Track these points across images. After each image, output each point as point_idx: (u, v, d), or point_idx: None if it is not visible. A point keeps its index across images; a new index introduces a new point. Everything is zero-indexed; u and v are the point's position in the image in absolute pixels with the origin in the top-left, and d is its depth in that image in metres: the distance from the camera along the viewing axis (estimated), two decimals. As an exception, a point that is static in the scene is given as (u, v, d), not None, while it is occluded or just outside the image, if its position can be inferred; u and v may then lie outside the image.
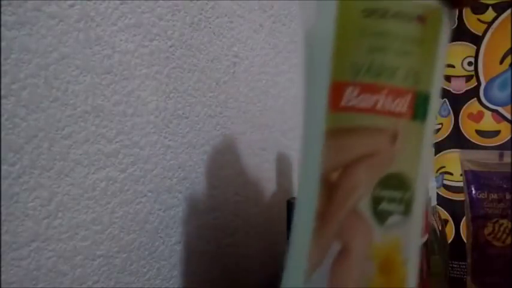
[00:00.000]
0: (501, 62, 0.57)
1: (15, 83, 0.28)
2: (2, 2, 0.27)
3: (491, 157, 0.49)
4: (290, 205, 0.43)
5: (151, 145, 0.39)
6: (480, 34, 0.58)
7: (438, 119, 0.60)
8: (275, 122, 0.55)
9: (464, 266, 0.56)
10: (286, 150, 0.57)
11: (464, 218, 0.54)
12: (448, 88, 0.60)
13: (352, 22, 0.22)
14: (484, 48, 0.58)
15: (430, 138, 0.24)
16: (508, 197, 0.46)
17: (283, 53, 0.56)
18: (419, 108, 0.23)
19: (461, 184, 0.51)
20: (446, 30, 0.24)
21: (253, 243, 0.51)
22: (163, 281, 0.41)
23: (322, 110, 0.23)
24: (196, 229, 0.44)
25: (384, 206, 0.23)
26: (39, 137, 0.30)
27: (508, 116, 0.57)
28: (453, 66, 0.59)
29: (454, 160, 0.59)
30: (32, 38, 0.29)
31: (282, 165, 0.56)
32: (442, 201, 0.59)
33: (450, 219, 0.60)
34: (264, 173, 0.53)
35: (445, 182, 0.60)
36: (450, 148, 0.60)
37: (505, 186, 0.46)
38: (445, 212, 0.60)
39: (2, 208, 0.28)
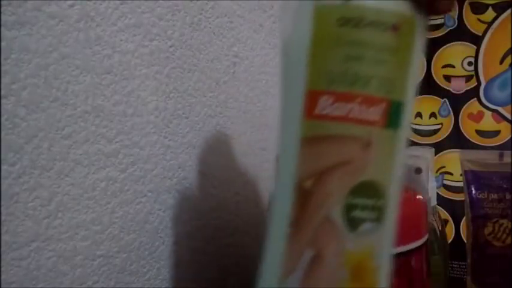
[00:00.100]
0: (501, 62, 0.57)
1: (15, 83, 0.28)
2: (2, 2, 0.27)
3: (491, 157, 0.49)
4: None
5: (151, 145, 0.39)
6: (480, 34, 0.58)
7: (438, 119, 0.60)
8: (275, 122, 0.55)
9: (464, 266, 0.56)
10: (286, 150, 0.57)
11: (464, 218, 0.54)
12: (448, 88, 0.60)
13: (327, 31, 0.23)
14: (484, 48, 0.58)
15: (403, 146, 0.24)
16: (508, 197, 0.46)
17: (283, 53, 0.56)
18: (392, 117, 0.23)
19: (461, 184, 0.51)
20: (420, 38, 0.24)
21: (253, 243, 0.51)
22: (163, 281, 0.41)
23: (297, 118, 0.23)
24: (196, 229, 0.44)
25: (357, 213, 0.23)
26: (39, 137, 0.30)
27: (508, 116, 0.57)
28: (453, 66, 0.59)
29: (454, 160, 0.59)
30: (32, 38, 0.29)
31: (282, 165, 0.56)
32: (442, 201, 0.59)
33: (450, 219, 0.60)
34: (264, 173, 0.53)
35: (445, 182, 0.60)
36: (450, 148, 0.60)
37: (505, 186, 0.46)
38: (445, 212, 0.60)
39: (2, 208, 0.28)
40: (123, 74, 0.36)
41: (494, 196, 0.47)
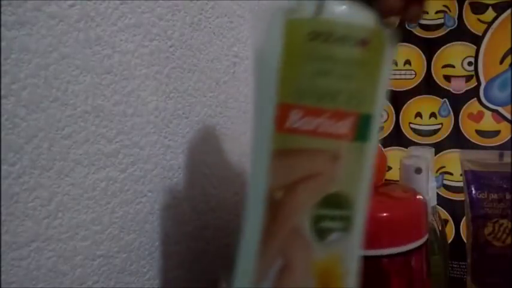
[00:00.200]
0: (501, 62, 0.57)
1: (15, 83, 0.28)
2: (2, 2, 0.27)
3: (491, 157, 0.49)
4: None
5: (151, 145, 0.39)
6: (480, 34, 0.58)
7: (438, 119, 0.60)
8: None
9: (464, 266, 0.56)
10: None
11: (464, 218, 0.54)
12: (448, 88, 0.60)
13: (298, 45, 0.23)
14: (484, 48, 0.58)
15: (372, 158, 0.25)
16: (508, 197, 0.46)
17: (283, 53, 0.56)
18: (361, 130, 0.24)
19: (461, 184, 0.51)
20: (389, 52, 0.24)
21: (253, 243, 0.51)
22: (163, 281, 0.41)
23: (269, 131, 0.23)
24: (196, 229, 0.44)
25: (325, 224, 0.24)
26: (39, 137, 0.30)
27: (508, 116, 0.57)
28: (453, 66, 0.59)
29: (454, 160, 0.59)
30: (32, 38, 0.29)
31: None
32: (442, 201, 0.59)
33: (450, 219, 0.60)
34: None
35: (445, 182, 0.60)
36: (450, 148, 0.60)
37: (505, 186, 0.46)
38: (445, 212, 0.60)
39: (2, 208, 0.28)
40: (123, 74, 0.36)
41: (494, 196, 0.47)
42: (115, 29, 0.35)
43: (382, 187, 0.42)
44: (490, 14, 0.57)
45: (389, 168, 0.60)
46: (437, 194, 0.53)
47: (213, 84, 0.46)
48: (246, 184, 0.25)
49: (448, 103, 0.60)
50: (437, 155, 0.59)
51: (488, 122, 0.58)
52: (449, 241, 0.58)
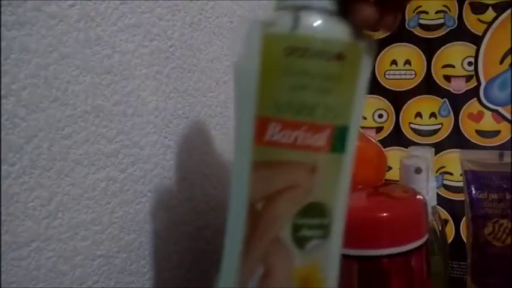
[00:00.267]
0: (501, 62, 0.57)
1: (15, 83, 0.28)
2: (2, 2, 0.27)
3: (491, 157, 0.49)
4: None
5: (151, 145, 0.39)
6: (480, 34, 0.58)
7: (438, 119, 0.60)
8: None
9: (464, 266, 0.56)
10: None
11: (464, 218, 0.54)
12: (448, 88, 0.60)
13: (275, 59, 0.23)
14: (484, 48, 0.58)
15: (349, 168, 0.26)
16: (508, 197, 0.46)
17: (283, 53, 0.56)
18: (337, 141, 0.24)
19: (461, 184, 0.51)
20: (365, 65, 0.25)
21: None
22: (163, 281, 0.41)
23: (249, 143, 0.24)
24: (196, 229, 0.44)
25: (304, 232, 0.24)
26: (39, 137, 0.30)
27: (508, 116, 0.57)
28: (453, 66, 0.59)
29: (454, 160, 0.59)
30: (32, 38, 0.29)
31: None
32: (442, 201, 0.59)
33: (450, 219, 0.60)
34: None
35: (445, 182, 0.60)
36: (450, 148, 0.60)
37: (505, 186, 0.46)
38: (445, 212, 0.60)
39: (2, 208, 0.28)
40: (123, 74, 0.36)
41: (494, 196, 0.47)
42: (115, 29, 0.35)
43: (382, 187, 0.42)
44: (490, 14, 0.57)
45: (390, 168, 0.60)
46: (437, 194, 0.53)
47: (213, 84, 0.46)
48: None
49: (448, 103, 0.60)
50: (437, 155, 0.60)
51: (488, 122, 0.58)
52: (449, 241, 0.58)
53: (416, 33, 0.61)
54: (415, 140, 0.61)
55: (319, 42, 0.23)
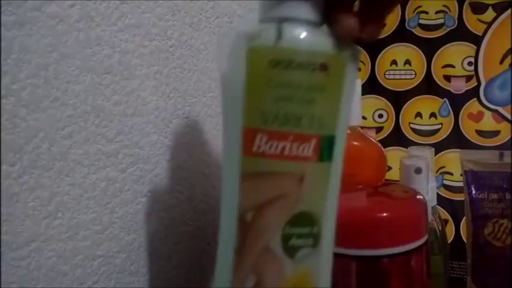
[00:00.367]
0: (501, 62, 0.57)
1: (15, 83, 0.28)
2: (2, 2, 0.27)
3: (491, 157, 0.49)
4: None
5: (151, 145, 0.39)
6: (480, 34, 0.58)
7: (438, 119, 0.60)
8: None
9: (464, 266, 0.56)
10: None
11: (464, 218, 0.54)
12: (448, 88, 0.60)
13: (260, 72, 0.24)
14: (484, 48, 0.58)
15: (337, 176, 0.26)
16: (508, 197, 0.46)
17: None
18: (324, 151, 0.25)
19: (461, 184, 0.51)
20: (350, 74, 0.25)
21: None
22: (163, 281, 0.41)
23: (237, 154, 0.24)
24: (196, 229, 0.44)
25: (293, 241, 0.25)
26: (39, 137, 0.30)
27: (508, 116, 0.57)
28: (453, 66, 0.59)
29: (454, 160, 0.59)
30: (32, 38, 0.29)
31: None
32: (442, 201, 0.59)
33: (450, 219, 0.60)
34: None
35: (445, 182, 0.60)
36: (450, 148, 0.60)
37: (505, 186, 0.46)
38: (445, 212, 0.60)
39: (2, 208, 0.28)
40: (123, 74, 0.36)
41: (494, 196, 0.47)
42: (115, 29, 0.35)
43: (382, 187, 0.42)
44: (490, 14, 0.57)
45: (390, 168, 0.60)
46: (437, 194, 0.53)
47: (213, 84, 0.46)
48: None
49: (448, 103, 0.60)
50: (437, 155, 0.60)
51: (488, 122, 0.58)
52: (449, 241, 0.58)
53: (416, 33, 0.61)
54: (415, 140, 0.61)
55: (303, 54, 0.24)
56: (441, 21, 0.59)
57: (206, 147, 0.45)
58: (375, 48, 0.62)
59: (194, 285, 0.44)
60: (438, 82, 0.60)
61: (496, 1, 0.57)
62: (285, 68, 0.23)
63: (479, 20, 0.58)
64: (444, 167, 0.60)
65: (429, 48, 0.60)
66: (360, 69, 0.63)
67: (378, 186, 0.41)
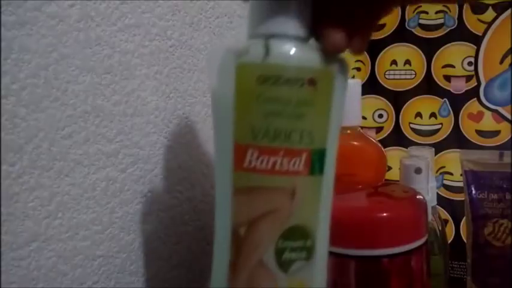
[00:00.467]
0: (501, 62, 0.57)
1: (15, 83, 0.28)
2: (2, 2, 0.27)
3: (491, 157, 0.49)
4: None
5: (151, 145, 0.39)
6: (480, 34, 0.58)
7: (438, 119, 0.60)
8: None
9: (464, 266, 0.56)
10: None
11: (464, 218, 0.54)
12: (448, 88, 0.60)
13: (249, 88, 0.24)
14: (484, 48, 0.58)
15: (329, 188, 0.26)
16: (508, 197, 0.46)
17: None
18: (315, 164, 0.25)
19: (461, 184, 0.51)
20: (339, 87, 0.25)
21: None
22: (163, 281, 0.41)
23: (229, 170, 0.25)
24: (196, 229, 0.44)
25: (287, 255, 0.25)
26: (39, 137, 0.30)
27: (508, 116, 0.57)
28: (453, 66, 0.59)
29: (454, 160, 0.59)
30: (32, 38, 0.29)
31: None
32: (442, 201, 0.59)
33: (450, 219, 0.60)
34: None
35: (445, 182, 0.60)
36: (450, 148, 0.60)
37: (505, 186, 0.46)
38: (445, 212, 0.60)
39: (2, 208, 0.28)
40: (123, 74, 0.36)
41: (494, 196, 0.47)
42: (115, 29, 0.35)
43: (382, 187, 0.42)
44: (490, 14, 0.57)
45: (390, 168, 0.60)
46: (437, 194, 0.53)
47: (213, 84, 0.46)
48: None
49: (448, 103, 0.60)
50: (437, 155, 0.60)
51: (488, 122, 0.58)
52: (449, 241, 0.58)
53: (416, 33, 0.61)
54: (415, 140, 0.61)
55: (291, 69, 0.24)
56: (441, 21, 0.59)
57: (206, 147, 0.45)
58: (374, 48, 0.62)
59: (194, 285, 0.44)
60: (438, 82, 0.60)
61: (496, 1, 0.57)
62: (273, 84, 0.23)
63: (479, 20, 0.58)
64: (444, 167, 0.60)
65: (429, 48, 0.60)
66: (359, 69, 0.63)
67: (377, 186, 0.41)
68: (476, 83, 0.58)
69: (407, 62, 0.61)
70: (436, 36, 0.60)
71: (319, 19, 0.25)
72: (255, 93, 0.24)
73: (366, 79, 0.63)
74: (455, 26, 0.59)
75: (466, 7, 0.58)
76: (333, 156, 0.26)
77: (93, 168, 0.34)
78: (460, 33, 0.59)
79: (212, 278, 0.26)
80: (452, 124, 0.59)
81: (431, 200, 0.45)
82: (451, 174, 0.60)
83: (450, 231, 0.59)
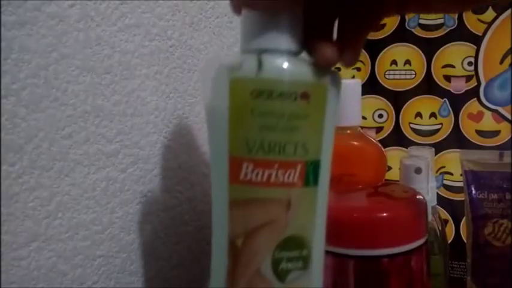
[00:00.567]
0: (501, 62, 0.57)
1: (15, 83, 0.28)
2: (2, 2, 0.27)
3: (491, 157, 0.49)
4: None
5: (151, 145, 0.39)
6: (480, 34, 0.58)
7: (438, 119, 0.60)
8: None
9: (464, 266, 0.56)
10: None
11: (464, 218, 0.54)
12: (448, 88, 0.60)
13: (243, 102, 0.24)
14: (484, 48, 0.58)
15: (324, 199, 0.26)
16: (508, 197, 0.46)
17: (283, 53, 0.56)
18: (310, 176, 0.25)
19: (461, 184, 0.51)
20: (332, 99, 0.26)
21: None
22: (163, 281, 0.41)
23: (225, 182, 0.25)
24: (196, 229, 0.44)
25: (283, 265, 0.25)
26: (39, 137, 0.30)
27: (508, 116, 0.57)
28: (453, 66, 0.59)
29: (454, 160, 0.59)
30: (32, 38, 0.29)
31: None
32: (442, 201, 0.59)
33: (450, 219, 0.60)
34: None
35: (445, 182, 0.60)
36: (450, 148, 0.60)
37: (505, 186, 0.46)
38: (445, 212, 0.60)
39: (2, 208, 0.28)
40: (123, 74, 0.36)
41: (494, 196, 0.47)
42: (115, 29, 0.35)
43: (382, 187, 0.42)
44: (490, 14, 0.57)
45: (390, 168, 0.60)
46: (437, 194, 0.53)
47: (213, 84, 0.46)
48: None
49: (448, 103, 0.60)
50: (437, 155, 0.60)
51: (488, 122, 0.58)
52: (449, 241, 0.58)
53: (416, 33, 0.61)
54: (415, 140, 0.61)
55: (284, 83, 0.24)
56: (441, 21, 0.59)
57: (206, 147, 0.45)
58: (374, 48, 0.62)
59: (194, 285, 0.44)
60: (438, 82, 0.60)
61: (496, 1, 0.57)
62: (267, 98, 0.24)
63: (479, 20, 0.58)
64: (444, 167, 0.60)
65: (429, 48, 0.60)
66: (359, 69, 0.63)
67: (378, 186, 0.41)
68: (476, 83, 0.58)
69: (407, 62, 0.61)
70: (436, 36, 0.60)
71: (310, 33, 0.25)
72: (249, 107, 0.24)
73: (366, 79, 0.63)
74: (455, 26, 0.59)
75: (466, 7, 0.58)
76: (327, 167, 0.26)
77: (93, 168, 0.34)
78: (460, 33, 0.59)
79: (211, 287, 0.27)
80: (452, 124, 0.59)
81: (431, 200, 0.45)
82: (451, 174, 0.60)
83: (450, 231, 0.59)
